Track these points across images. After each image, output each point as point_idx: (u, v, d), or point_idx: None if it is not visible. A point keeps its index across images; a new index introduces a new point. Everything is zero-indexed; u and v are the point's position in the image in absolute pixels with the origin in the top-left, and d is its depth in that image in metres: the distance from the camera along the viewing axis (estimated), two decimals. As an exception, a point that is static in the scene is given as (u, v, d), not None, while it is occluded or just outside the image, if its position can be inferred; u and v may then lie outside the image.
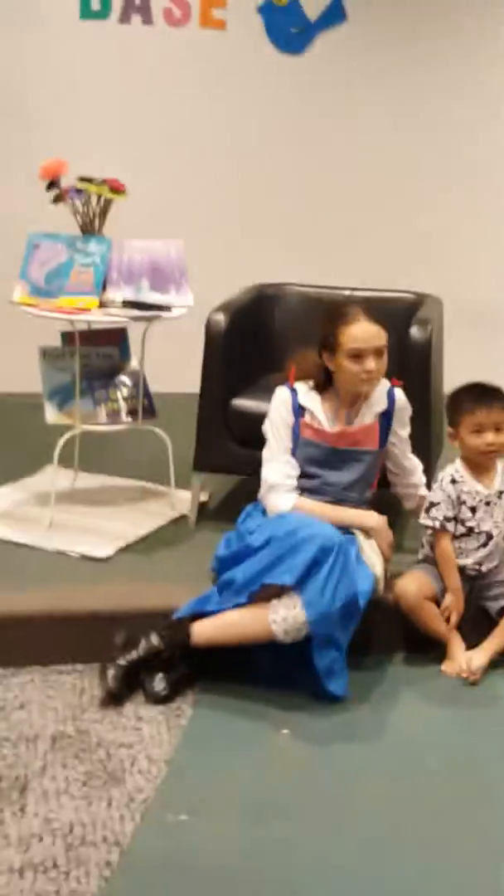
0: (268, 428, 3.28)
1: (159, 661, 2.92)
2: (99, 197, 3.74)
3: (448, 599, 3.21)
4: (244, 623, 2.92)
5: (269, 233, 5.49)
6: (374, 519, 3.20)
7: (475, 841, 2.39)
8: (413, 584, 3.22)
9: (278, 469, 3.21)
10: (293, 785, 2.60)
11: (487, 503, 3.25)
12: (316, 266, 4.69)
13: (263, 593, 2.91)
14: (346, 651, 2.94)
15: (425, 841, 2.38)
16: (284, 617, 2.87)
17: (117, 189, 3.75)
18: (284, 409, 3.24)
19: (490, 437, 3.19)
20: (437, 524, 3.22)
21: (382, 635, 3.25)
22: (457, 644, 3.20)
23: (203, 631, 2.94)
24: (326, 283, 4.24)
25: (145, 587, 3.33)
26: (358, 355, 3.13)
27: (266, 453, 3.26)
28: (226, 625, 2.94)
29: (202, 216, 5.36)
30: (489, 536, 3.26)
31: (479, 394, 3.24)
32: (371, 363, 3.13)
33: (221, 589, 3.07)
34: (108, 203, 3.76)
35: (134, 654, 2.92)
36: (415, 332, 3.64)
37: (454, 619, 3.20)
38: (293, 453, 3.24)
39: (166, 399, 4.02)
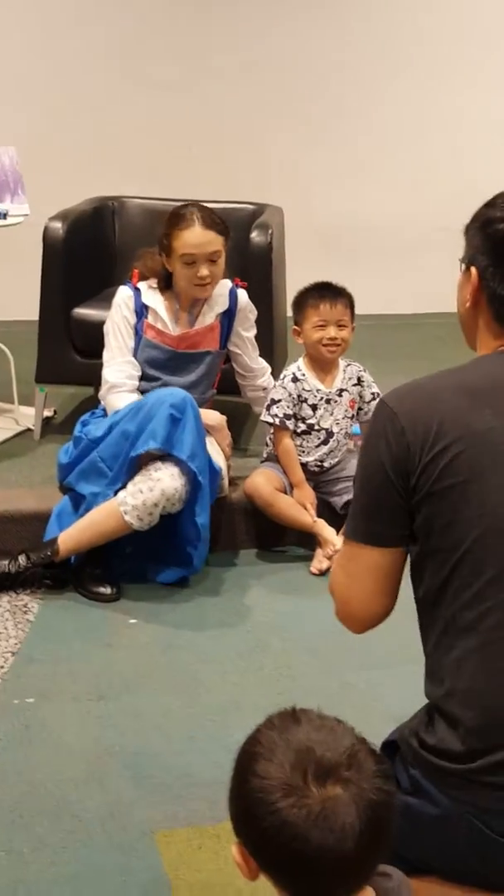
0: (109, 328, 3.25)
1: (25, 577, 2.96)
2: None
3: (296, 494, 3.28)
4: (100, 521, 2.96)
5: (110, 146, 5.41)
6: (213, 417, 3.23)
7: (311, 705, 2.47)
8: (262, 478, 3.28)
9: (119, 369, 3.20)
10: (140, 666, 2.65)
11: (328, 401, 3.32)
12: (158, 179, 4.67)
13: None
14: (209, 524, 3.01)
15: (267, 707, 2.45)
16: (134, 505, 2.89)
17: None
18: (126, 309, 3.23)
19: (332, 331, 3.25)
20: (277, 421, 3.28)
21: (228, 532, 3.32)
22: (326, 529, 3.23)
23: (66, 541, 2.96)
24: (169, 196, 4.23)
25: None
26: (190, 261, 3.13)
27: (106, 354, 3.24)
28: (85, 528, 2.97)
29: (38, 126, 5.22)
30: (329, 434, 3.34)
31: (324, 290, 3.28)
32: (203, 269, 3.12)
33: (74, 496, 3.10)
34: None
35: (3, 567, 2.95)
36: (255, 236, 3.68)
37: (310, 509, 3.26)
38: (134, 355, 3.24)
39: (10, 325, 3.98)
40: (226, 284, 3.30)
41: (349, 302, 3.29)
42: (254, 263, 3.68)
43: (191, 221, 3.13)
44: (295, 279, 4.24)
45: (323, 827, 1.07)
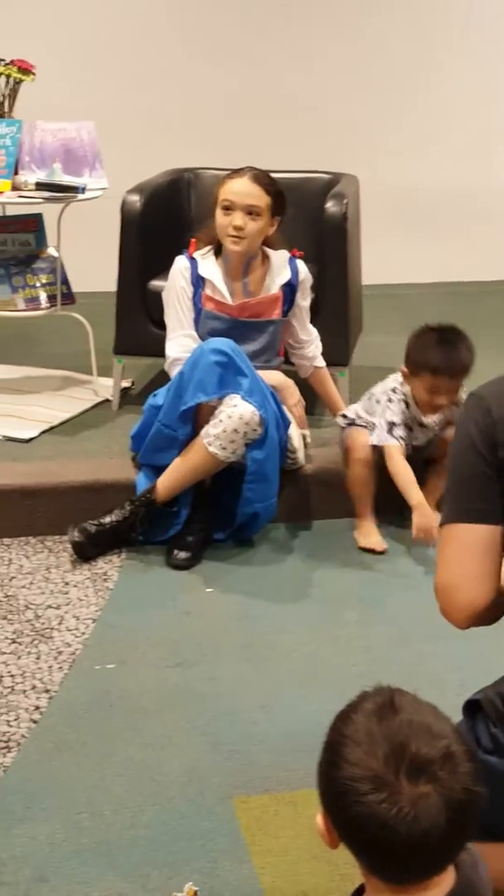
0: (167, 299, 3.27)
1: (125, 527, 3.03)
2: (7, 78, 3.68)
3: (417, 517, 3.02)
4: (188, 458, 3.04)
5: (185, 117, 5.41)
6: (274, 377, 3.23)
7: (387, 675, 2.49)
8: (363, 438, 3.24)
9: (179, 343, 3.22)
10: (216, 634, 2.69)
11: (421, 425, 3.28)
12: (233, 150, 4.65)
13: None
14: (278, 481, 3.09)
15: (343, 678, 2.48)
16: (216, 434, 2.94)
17: (25, 70, 3.69)
18: (183, 280, 3.23)
19: (442, 400, 3.19)
20: (402, 442, 3.19)
21: (304, 504, 3.34)
22: (370, 522, 3.22)
23: (162, 482, 3.05)
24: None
25: (68, 463, 3.36)
26: (228, 207, 3.13)
27: (167, 325, 3.27)
28: (175, 468, 3.05)
29: (114, 100, 5.23)
30: (417, 449, 3.30)
31: (446, 354, 3.15)
32: (238, 219, 3.11)
33: (152, 470, 3.15)
34: (17, 84, 3.70)
35: (105, 519, 3.03)
36: (330, 206, 3.66)
37: (429, 538, 2.98)
38: (196, 328, 3.24)
39: (89, 297, 4.03)
40: (283, 255, 3.29)
41: (467, 370, 3.17)
42: (328, 234, 3.66)
43: (241, 174, 3.18)
44: (369, 247, 4.23)
45: (410, 824, 1.07)
